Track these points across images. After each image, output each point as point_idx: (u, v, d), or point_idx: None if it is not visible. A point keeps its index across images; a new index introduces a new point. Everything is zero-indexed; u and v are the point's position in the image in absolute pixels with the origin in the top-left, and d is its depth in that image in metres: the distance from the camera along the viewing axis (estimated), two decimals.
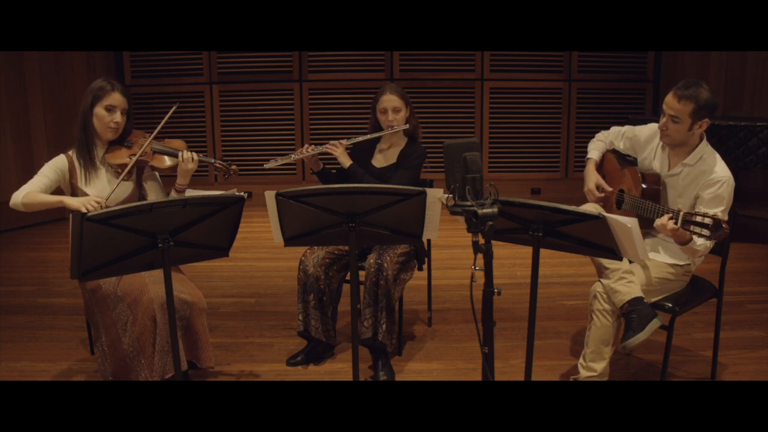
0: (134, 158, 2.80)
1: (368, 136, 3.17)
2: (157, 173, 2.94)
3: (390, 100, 3.10)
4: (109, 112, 2.78)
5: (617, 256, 2.16)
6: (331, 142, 3.11)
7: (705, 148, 2.69)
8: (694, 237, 2.40)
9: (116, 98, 2.79)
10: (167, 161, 2.85)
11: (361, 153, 3.25)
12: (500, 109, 6.59)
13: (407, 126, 3.14)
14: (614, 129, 3.00)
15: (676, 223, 2.32)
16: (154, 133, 2.87)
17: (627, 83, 6.65)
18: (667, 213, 2.40)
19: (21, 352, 3.27)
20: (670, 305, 2.64)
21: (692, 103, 2.56)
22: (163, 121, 2.87)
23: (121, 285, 2.68)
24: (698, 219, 2.24)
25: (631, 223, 2.03)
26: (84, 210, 2.57)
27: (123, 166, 2.80)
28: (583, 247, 2.21)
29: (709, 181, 2.61)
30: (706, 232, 2.23)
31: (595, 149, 3.00)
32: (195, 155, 2.82)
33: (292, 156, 3.14)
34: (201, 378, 2.95)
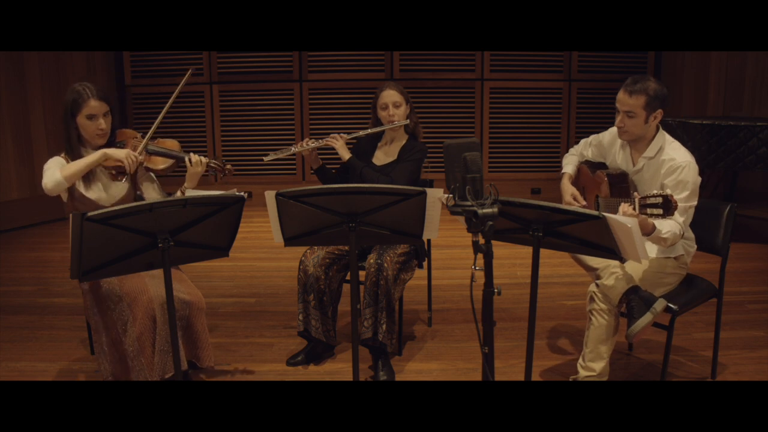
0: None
1: (369, 131, 3.19)
2: (152, 174, 2.93)
3: (390, 95, 3.13)
4: (91, 121, 2.74)
5: (617, 256, 2.16)
6: (332, 135, 3.16)
7: (662, 138, 2.75)
8: (656, 224, 2.46)
9: (94, 106, 2.72)
10: (161, 163, 2.84)
11: (362, 152, 3.26)
12: (500, 109, 6.59)
13: (408, 121, 3.15)
14: (582, 141, 3.09)
15: (634, 209, 2.36)
16: (159, 119, 2.85)
17: None
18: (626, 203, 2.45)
19: (21, 352, 3.27)
20: (670, 305, 2.64)
21: (643, 96, 2.64)
22: (174, 94, 2.85)
23: (121, 285, 2.68)
24: (651, 201, 2.31)
25: (631, 223, 2.03)
26: (127, 163, 2.66)
27: (117, 168, 2.76)
28: (583, 247, 2.21)
29: (669, 168, 2.66)
30: (659, 211, 2.29)
31: (568, 164, 3.08)
32: (203, 158, 2.82)
33: (292, 149, 3.15)
34: (201, 378, 2.96)
